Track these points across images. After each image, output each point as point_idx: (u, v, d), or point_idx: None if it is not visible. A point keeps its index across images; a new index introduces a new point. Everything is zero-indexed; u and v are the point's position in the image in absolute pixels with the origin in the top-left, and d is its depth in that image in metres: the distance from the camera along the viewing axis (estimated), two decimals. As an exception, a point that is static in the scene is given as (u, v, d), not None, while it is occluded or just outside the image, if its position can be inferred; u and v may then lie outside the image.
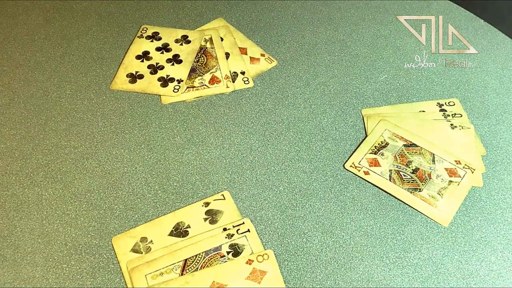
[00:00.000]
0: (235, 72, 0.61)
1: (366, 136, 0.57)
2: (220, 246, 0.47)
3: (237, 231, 0.48)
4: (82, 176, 0.53)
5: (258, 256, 0.47)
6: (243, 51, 0.64)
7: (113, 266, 0.47)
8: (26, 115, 0.58)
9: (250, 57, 0.63)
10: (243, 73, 0.61)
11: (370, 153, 0.55)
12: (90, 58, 0.64)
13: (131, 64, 0.62)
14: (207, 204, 0.50)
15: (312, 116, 0.59)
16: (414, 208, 0.51)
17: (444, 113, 0.59)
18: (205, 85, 0.60)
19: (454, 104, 0.60)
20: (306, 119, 0.59)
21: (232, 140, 0.57)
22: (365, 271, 0.47)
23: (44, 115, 0.58)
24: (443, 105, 0.60)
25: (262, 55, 0.64)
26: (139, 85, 0.60)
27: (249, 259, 0.46)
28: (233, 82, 0.60)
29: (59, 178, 0.53)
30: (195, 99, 0.60)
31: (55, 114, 0.59)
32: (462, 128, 0.57)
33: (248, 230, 0.48)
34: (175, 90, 0.59)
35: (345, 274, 0.47)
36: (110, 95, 0.61)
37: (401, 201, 0.52)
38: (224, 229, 0.48)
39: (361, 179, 0.54)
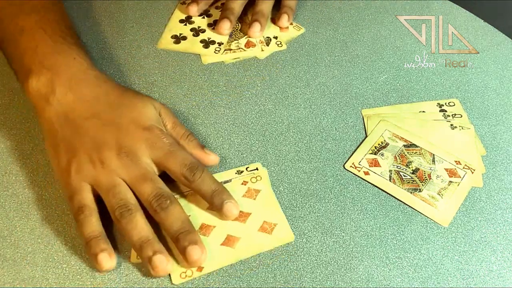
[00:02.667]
0: (268, 37, 0.66)
1: (366, 136, 0.57)
2: (231, 179, 0.53)
3: (250, 179, 0.53)
4: (82, 176, 0.53)
5: (251, 178, 0.52)
6: (272, 20, 0.69)
7: (113, 266, 0.47)
8: (26, 115, 0.58)
9: (279, 26, 0.69)
10: (275, 37, 0.67)
11: (370, 153, 0.55)
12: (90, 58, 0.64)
13: (176, 27, 0.68)
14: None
15: (312, 116, 0.59)
16: (414, 209, 0.51)
17: (444, 114, 0.59)
18: (242, 48, 0.65)
19: (454, 105, 0.60)
20: (306, 119, 0.59)
21: (232, 140, 0.57)
22: (365, 271, 0.47)
23: (44, 115, 0.58)
24: (443, 105, 0.60)
25: (290, 23, 0.69)
26: (183, 46, 0.66)
27: (243, 181, 0.52)
28: (267, 45, 0.66)
29: (59, 178, 0.53)
30: (233, 60, 0.64)
31: (55, 114, 0.59)
32: (462, 128, 0.57)
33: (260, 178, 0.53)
34: (216, 51, 0.64)
35: (345, 275, 0.47)
36: (110, 95, 0.61)
37: (401, 201, 0.52)
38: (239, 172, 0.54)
39: (361, 179, 0.54)
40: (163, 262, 0.44)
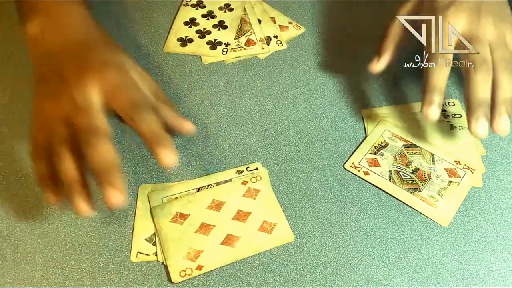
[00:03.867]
0: (268, 36, 0.66)
1: (366, 136, 0.57)
2: (230, 179, 0.53)
3: (250, 179, 0.52)
4: (82, 176, 0.53)
5: (252, 178, 0.52)
6: (272, 19, 0.69)
7: (112, 266, 0.47)
8: (26, 115, 0.58)
9: (279, 25, 0.69)
10: (276, 36, 0.67)
11: (370, 153, 0.55)
12: (90, 58, 0.64)
13: (180, 29, 0.67)
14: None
15: (312, 116, 0.59)
16: (413, 209, 0.51)
17: (444, 114, 0.59)
18: (242, 47, 0.65)
19: (454, 105, 0.60)
20: (306, 119, 0.59)
21: (232, 140, 0.57)
22: (365, 271, 0.47)
23: (44, 115, 0.58)
24: (443, 105, 0.60)
25: (290, 23, 0.69)
26: (189, 48, 0.65)
27: (244, 181, 0.52)
28: (268, 45, 0.66)
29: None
30: (234, 59, 0.64)
31: (55, 114, 0.58)
32: (462, 128, 0.57)
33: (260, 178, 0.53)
34: (223, 52, 0.64)
35: (345, 274, 0.47)
36: (110, 95, 0.61)
37: (400, 201, 0.52)
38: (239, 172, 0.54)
39: (361, 179, 0.54)
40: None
